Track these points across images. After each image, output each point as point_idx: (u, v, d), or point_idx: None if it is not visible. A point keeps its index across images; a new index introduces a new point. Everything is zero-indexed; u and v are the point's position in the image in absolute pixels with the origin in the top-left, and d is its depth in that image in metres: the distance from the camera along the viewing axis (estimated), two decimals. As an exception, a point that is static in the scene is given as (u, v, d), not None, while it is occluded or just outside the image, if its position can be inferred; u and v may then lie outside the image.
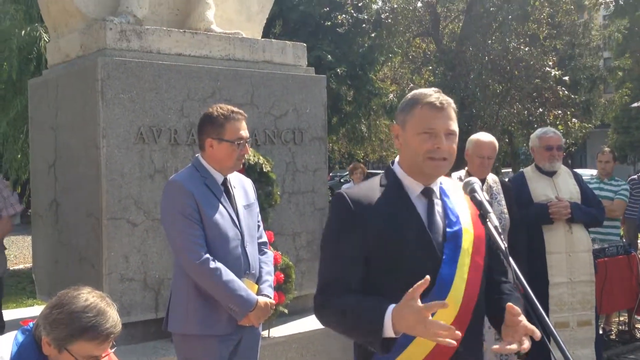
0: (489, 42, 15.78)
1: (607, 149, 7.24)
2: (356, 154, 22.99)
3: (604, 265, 5.52)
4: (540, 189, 4.72)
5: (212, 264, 2.98)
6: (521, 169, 5.84)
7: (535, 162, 4.87)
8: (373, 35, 15.69)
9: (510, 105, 15.93)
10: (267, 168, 4.50)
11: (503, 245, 1.94)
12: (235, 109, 3.14)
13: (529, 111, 15.73)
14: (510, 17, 15.92)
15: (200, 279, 3.01)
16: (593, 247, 4.89)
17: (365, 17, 15.79)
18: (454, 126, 2.12)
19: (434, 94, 2.12)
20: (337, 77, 14.25)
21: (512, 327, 1.96)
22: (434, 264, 2.05)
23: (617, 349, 6.15)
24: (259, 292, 3.16)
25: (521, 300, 2.15)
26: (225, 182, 3.19)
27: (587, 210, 4.67)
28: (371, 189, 2.16)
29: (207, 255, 2.99)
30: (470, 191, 2.12)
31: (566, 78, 16.11)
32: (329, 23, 15.28)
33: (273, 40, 5.44)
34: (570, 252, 4.59)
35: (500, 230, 2.01)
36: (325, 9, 15.09)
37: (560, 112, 15.40)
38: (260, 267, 3.27)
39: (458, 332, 1.82)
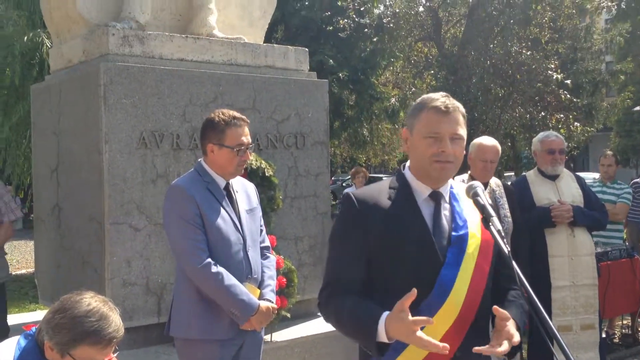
0: (491, 46, 15.77)
1: (609, 152, 7.23)
2: (358, 158, 23.02)
3: (606, 269, 5.50)
4: (542, 192, 4.71)
5: (214, 269, 2.98)
6: (524, 173, 5.83)
7: (538, 166, 4.87)
8: (375, 39, 15.72)
9: (513, 109, 15.91)
10: (269, 172, 4.51)
11: (506, 249, 1.94)
12: (237, 115, 3.13)
13: (531, 115, 15.71)
14: (512, 21, 15.92)
15: (202, 283, 3.01)
16: (596, 251, 4.88)
17: (367, 21, 15.83)
18: (461, 130, 2.12)
19: (440, 98, 2.13)
20: (339, 81, 14.28)
21: (498, 330, 1.98)
22: (435, 266, 2.06)
23: (620, 353, 6.13)
24: (261, 297, 3.16)
25: (525, 307, 2.15)
26: (227, 187, 3.19)
27: (590, 214, 4.66)
28: (379, 190, 2.19)
29: (209, 260, 2.99)
30: (473, 195, 2.12)
31: (568, 82, 16.09)
32: (331, 28, 15.32)
33: (275, 45, 5.45)
34: (572, 256, 4.58)
35: (503, 234, 2.01)
36: (327, 14, 15.13)
37: (562, 115, 15.38)
38: (263, 272, 3.27)
39: (447, 346, 1.87)
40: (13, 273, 8.44)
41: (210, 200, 3.08)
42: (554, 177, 4.77)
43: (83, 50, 4.71)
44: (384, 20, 16.48)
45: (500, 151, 4.49)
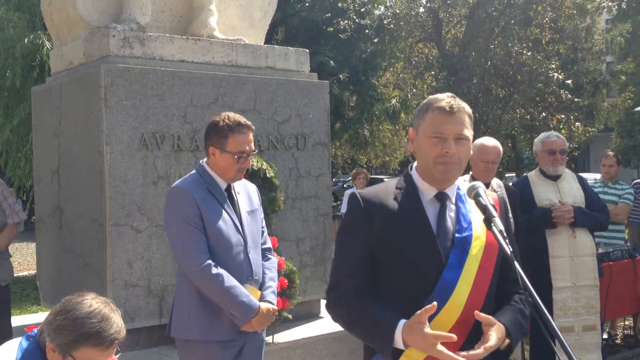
0: (492, 46, 15.79)
1: (610, 152, 7.23)
2: (359, 159, 23.02)
3: (608, 269, 5.50)
4: (543, 193, 4.71)
5: (214, 270, 2.98)
6: (525, 173, 5.83)
7: (540, 166, 4.87)
8: (375, 40, 15.72)
9: (513, 110, 15.93)
10: (270, 174, 4.50)
11: (508, 249, 1.94)
12: (243, 121, 3.11)
13: (532, 115, 15.72)
14: (512, 21, 15.93)
15: (202, 285, 3.01)
16: (598, 251, 4.87)
17: (368, 22, 15.84)
18: (466, 131, 2.12)
19: (446, 99, 2.14)
20: (339, 82, 14.28)
21: (483, 336, 2.00)
22: (437, 267, 2.07)
23: (622, 354, 6.12)
24: (261, 298, 3.15)
25: (526, 311, 2.15)
26: (229, 188, 3.18)
27: (591, 215, 4.65)
28: (385, 190, 2.20)
29: (209, 262, 2.99)
30: (474, 195, 2.12)
31: (569, 82, 16.09)
32: (331, 29, 15.33)
33: (275, 46, 5.45)
34: (573, 257, 4.58)
35: (505, 234, 2.00)
36: (327, 15, 15.13)
37: (563, 116, 15.39)
38: (264, 273, 3.26)
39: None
40: (15, 275, 8.44)
41: (211, 201, 3.08)
42: (555, 178, 4.76)
43: (84, 52, 4.71)
44: (385, 21, 16.50)
45: (501, 152, 4.48)
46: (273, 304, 3.18)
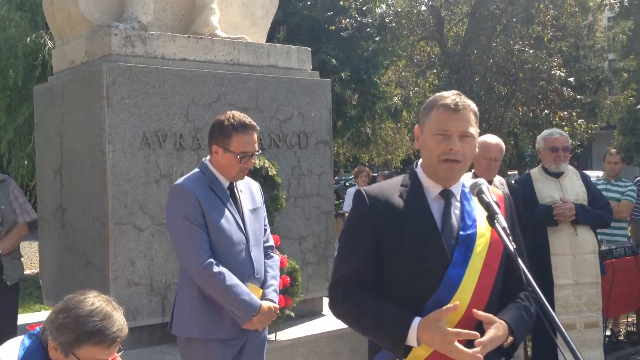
0: (494, 44, 15.74)
1: (614, 150, 7.22)
2: (361, 157, 23.00)
3: (611, 267, 5.49)
4: (545, 190, 4.70)
5: (216, 268, 2.97)
6: (527, 171, 5.82)
7: (542, 164, 4.86)
8: (377, 39, 15.70)
9: (515, 108, 15.90)
10: (272, 172, 4.50)
11: (512, 246, 1.93)
12: (248, 122, 3.10)
13: (534, 113, 15.68)
14: (514, 19, 15.89)
15: (204, 283, 3.01)
16: (600, 249, 4.86)
17: (370, 21, 15.82)
18: (471, 129, 2.12)
19: (451, 96, 2.14)
20: (341, 81, 14.26)
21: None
22: (442, 264, 2.07)
23: (625, 350, 6.12)
24: (263, 297, 3.15)
25: (531, 309, 2.14)
26: (231, 186, 3.18)
27: (593, 212, 4.64)
28: (391, 188, 2.20)
29: (211, 260, 2.99)
30: (477, 192, 2.11)
31: (571, 79, 16.06)
32: (333, 27, 15.31)
33: (277, 44, 5.44)
34: (575, 254, 4.57)
35: (508, 231, 2.00)
36: (329, 13, 15.11)
37: (566, 113, 15.35)
38: (266, 271, 3.26)
39: (480, 357, 1.92)
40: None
41: (213, 199, 3.08)
42: (557, 175, 4.75)
43: (86, 51, 4.71)
44: (387, 20, 16.47)
45: (504, 149, 4.48)
46: (275, 303, 3.18)
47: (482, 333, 2.01)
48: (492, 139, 4.43)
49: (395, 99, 17.23)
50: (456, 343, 1.93)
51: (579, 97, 16.14)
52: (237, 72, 4.84)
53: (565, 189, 4.70)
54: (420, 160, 2.25)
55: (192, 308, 3.07)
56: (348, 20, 15.42)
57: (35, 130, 5.42)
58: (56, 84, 4.97)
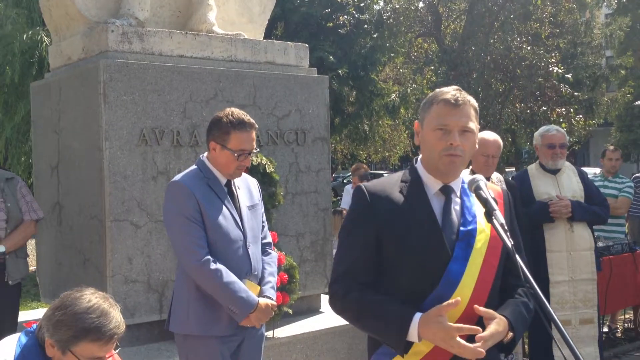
0: (491, 41, 15.76)
1: (611, 147, 7.23)
2: (359, 154, 23.00)
3: (608, 263, 5.50)
4: (542, 186, 4.70)
5: (213, 265, 2.97)
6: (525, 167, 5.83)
7: (539, 160, 4.86)
8: (375, 35, 15.70)
9: (513, 104, 15.91)
10: (270, 169, 4.50)
11: (509, 242, 1.93)
12: (246, 119, 3.09)
13: (532, 110, 15.70)
14: (512, 16, 15.90)
15: (201, 280, 3.01)
16: (598, 245, 4.86)
17: (367, 17, 15.81)
18: (471, 124, 2.12)
19: (451, 92, 2.14)
20: (339, 78, 14.26)
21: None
22: (442, 260, 2.07)
23: (623, 347, 6.13)
24: (260, 294, 3.14)
25: (530, 304, 2.14)
26: (229, 183, 3.18)
27: (590, 209, 4.64)
28: (391, 183, 2.21)
29: (208, 257, 2.98)
30: (475, 189, 2.11)
31: (569, 75, 16.07)
32: (331, 24, 15.30)
33: (275, 41, 5.43)
34: (571, 251, 4.58)
35: (506, 228, 2.00)
36: (326, 10, 15.10)
37: (563, 110, 15.37)
38: (263, 268, 3.26)
39: (482, 351, 1.92)
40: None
41: (210, 196, 3.07)
42: (555, 172, 4.75)
43: (82, 48, 4.69)
44: (384, 16, 16.47)
45: (501, 146, 4.47)
46: (272, 300, 3.17)
47: (483, 329, 2.01)
48: (489, 135, 4.42)
49: (393, 95, 17.23)
50: (458, 338, 1.93)
51: (576, 93, 16.15)
52: (234, 69, 4.83)
53: (562, 185, 4.70)
54: (420, 156, 2.25)
55: (190, 305, 3.06)
56: (346, 17, 15.42)
57: (32, 127, 5.41)
58: (53, 80, 4.96)
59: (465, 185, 2.20)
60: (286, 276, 4.26)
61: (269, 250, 3.36)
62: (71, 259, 4.65)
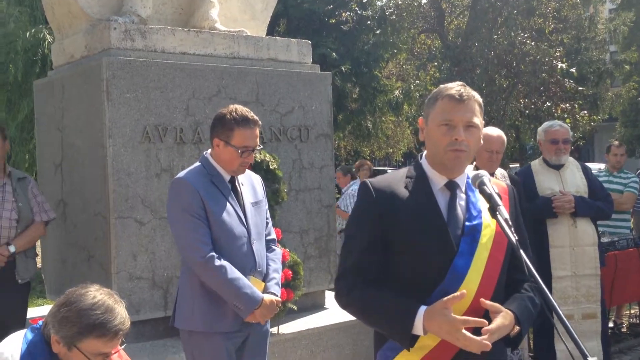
0: (495, 37, 15.71)
1: (617, 142, 7.21)
2: (362, 151, 22.98)
3: (614, 258, 5.49)
4: (546, 182, 4.70)
5: (217, 262, 2.97)
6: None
7: (543, 156, 4.85)
8: (378, 32, 15.68)
9: (517, 100, 15.87)
10: (273, 165, 4.50)
11: (514, 237, 1.93)
12: (250, 116, 3.09)
13: (535, 105, 15.65)
14: (515, 11, 15.85)
15: (205, 276, 3.01)
16: (603, 240, 4.85)
17: (370, 14, 15.80)
18: (475, 119, 2.13)
19: (455, 87, 2.15)
20: (342, 74, 14.25)
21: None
22: (448, 255, 2.08)
23: (628, 342, 6.13)
24: (265, 290, 3.15)
25: (536, 299, 2.14)
26: (232, 180, 3.18)
27: (593, 204, 4.64)
28: (396, 179, 2.21)
29: (212, 253, 2.98)
30: (479, 184, 2.11)
31: (573, 70, 16.02)
32: (333, 20, 15.29)
33: (278, 37, 5.43)
34: (574, 246, 4.57)
35: (510, 223, 2.00)
36: (329, 7, 15.09)
37: (568, 105, 15.32)
38: (268, 265, 3.26)
39: (488, 344, 1.92)
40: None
41: (214, 193, 3.07)
42: (558, 167, 4.74)
43: (85, 45, 4.70)
44: (387, 12, 16.44)
45: (505, 142, 4.46)
46: (276, 296, 3.17)
47: (489, 323, 2.01)
48: (493, 131, 4.41)
49: (396, 92, 17.22)
50: (464, 330, 1.93)
51: (580, 88, 16.09)
52: (237, 66, 4.83)
53: (566, 181, 4.69)
54: (425, 152, 2.25)
55: (195, 301, 3.07)
56: (348, 13, 15.40)
57: (36, 125, 5.42)
58: (56, 78, 4.97)
59: (470, 181, 2.20)
60: (290, 272, 4.27)
61: (273, 247, 3.36)
62: (76, 256, 4.66)
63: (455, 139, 2.09)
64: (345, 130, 17.75)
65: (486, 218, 2.13)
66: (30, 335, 2.17)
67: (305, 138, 5.09)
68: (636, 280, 5.86)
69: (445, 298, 1.96)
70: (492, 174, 4.35)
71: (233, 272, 3.00)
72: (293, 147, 5.03)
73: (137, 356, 3.85)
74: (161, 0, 5.04)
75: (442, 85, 2.22)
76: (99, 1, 4.80)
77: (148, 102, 4.38)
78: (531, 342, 5.08)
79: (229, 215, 3.08)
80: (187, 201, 3.01)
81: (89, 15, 4.75)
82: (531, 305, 2.15)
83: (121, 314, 2.11)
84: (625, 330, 6.52)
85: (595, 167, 11.16)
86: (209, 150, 3.19)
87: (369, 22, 15.67)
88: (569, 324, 1.78)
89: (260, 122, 3.17)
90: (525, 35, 15.42)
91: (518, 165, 20.24)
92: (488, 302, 2.02)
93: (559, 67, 14.88)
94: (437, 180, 2.18)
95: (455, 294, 1.96)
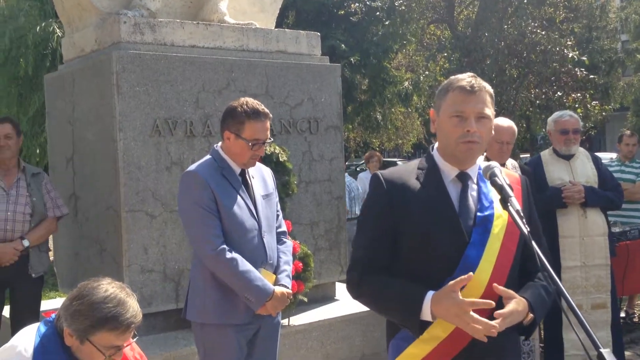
0: (505, 26, 15.58)
1: (628, 131, 7.15)
2: (372, 142, 22.93)
3: (625, 248, 5.46)
4: (556, 172, 4.68)
5: (228, 255, 2.98)
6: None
7: (552, 146, 4.82)
8: (387, 23, 15.58)
9: (528, 90, 15.76)
10: (283, 158, 4.50)
11: (525, 228, 1.93)
12: (261, 109, 3.10)
13: (546, 95, 15.53)
14: (526, 1, 15.71)
15: (217, 269, 3.02)
16: (615, 230, 4.82)
17: (379, 4, 15.70)
18: (487, 110, 2.13)
19: (467, 78, 2.15)
20: (351, 66, 14.20)
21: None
22: (459, 246, 2.08)
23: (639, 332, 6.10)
24: (276, 282, 3.16)
25: (550, 288, 2.14)
26: (243, 173, 3.18)
27: (603, 194, 4.61)
28: (408, 171, 2.22)
29: (224, 246, 2.99)
30: (490, 175, 2.11)
31: (584, 58, 15.87)
32: (342, 12, 15.22)
33: (287, 30, 5.42)
34: (584, 236, 4.56)
35: (522, 214, 1.99)
36: (338, -2, 15.00)
37: (579, 95, 15.20)
38: (279, 257, 3.27)
39: (496, 325, 1.91)
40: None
41: (225, 186, 3.08)
42: (568, 157, 4.72)
43: (95, 39, 4.71)
44: (396, 3, 16.32)
45: (516, 132, 4.44)
46: (288, 288, 3.18)
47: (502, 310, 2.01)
48: (504, 122, 4.39)
49: (406, 83, 17.12)
50: (472, 312, 1.93)
51: (592, 76, 15.94)
52: (246, 58, 4.83)
53: (576, 171, 4.67)
54: (437, 144, 2.25)
55: (206, 294, 3.08)
56: (357, 4, 15.32)
57: (47, 119, 5.45)
58: (66, 72, 4.99)
59: (482, 172, 2.20)
60: (301, 264, 4.28)
61: (284, 239, 3.37)
62: (88, 250, 4.69)
63: (467, 131, 2.09)
64: (355, 122, 17.69)
65: (498, 208, 2.13)
66: (43, 329, 2.19)
67: (314, 130, 5.08)
68: (648, 271, 5.83)
69: (453, 281, 1.96)
70: (502, 165, 4.33)
71: (244, 264, 3.01)
72: (303, 139, 5.03)
73: (149, 348, 3.88)
74: (170, -6, 5.04)
75: (452, 77, 2.22)
76: (108, -5, 4.81)
77: (158, 96, 4.39)
78: (542, 332, 5.07)
79: (240, 208, 3.08)
80: (198, 194, 3.02)
81: (98, 8, 4.76)
82: (545, 293, 2.15)
83: (133, 307, 2.13)
84: (637, 320, 6.49)
85: (606, 156, 11.08)
86: (220, 143, 3.20)
87: (378, 13, 15.58)
88: (581, 315, 1.77)
89: (271, 115, 3.17)
90: (536, 25, 15.28)
91: (529, 155, 20.14)
92: (501, 287, 2.01)
93: (570, 56, 14.74)
94: (449, 171, 2.18)
95: (463, 276, 1.96)
